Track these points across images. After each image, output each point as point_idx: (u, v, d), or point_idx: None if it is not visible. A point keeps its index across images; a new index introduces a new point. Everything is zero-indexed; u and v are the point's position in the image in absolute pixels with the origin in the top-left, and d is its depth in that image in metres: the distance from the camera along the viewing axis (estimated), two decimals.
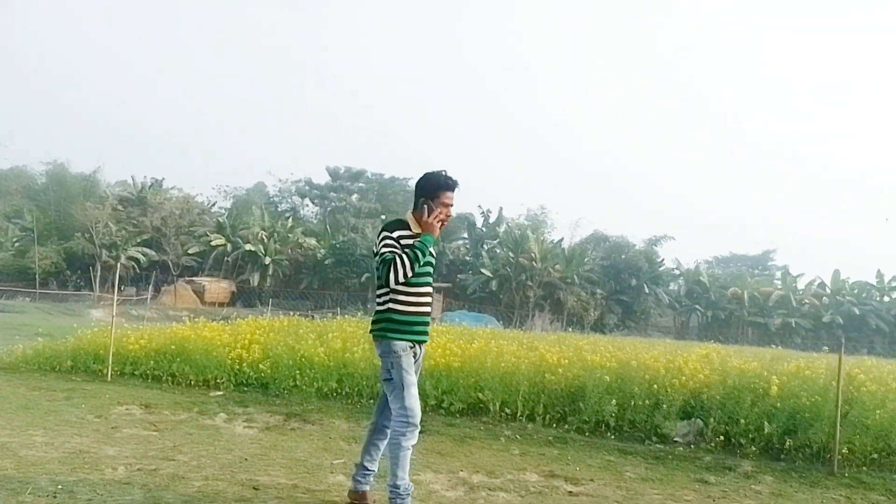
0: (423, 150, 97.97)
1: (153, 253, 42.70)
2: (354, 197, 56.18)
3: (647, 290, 45.37)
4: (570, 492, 4.85)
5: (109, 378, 8.71)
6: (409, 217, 3.95)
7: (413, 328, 3.86)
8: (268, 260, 43.71)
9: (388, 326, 3.83)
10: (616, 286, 44.83)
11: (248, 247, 43.36)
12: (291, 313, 15.34)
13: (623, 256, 46.58)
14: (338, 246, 45.06)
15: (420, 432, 3.91)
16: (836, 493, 5.38)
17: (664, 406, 7.24)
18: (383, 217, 53.21)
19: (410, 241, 3.81)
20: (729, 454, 6.53)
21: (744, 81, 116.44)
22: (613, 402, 7.24)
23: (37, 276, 38.99)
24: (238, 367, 8.69)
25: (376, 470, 4.12)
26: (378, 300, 3.93)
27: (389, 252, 3.75)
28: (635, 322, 45.29)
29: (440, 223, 3.91)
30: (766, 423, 6.70)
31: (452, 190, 3.97)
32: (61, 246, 40.84)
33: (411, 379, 3.82)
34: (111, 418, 6.33)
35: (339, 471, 4.89)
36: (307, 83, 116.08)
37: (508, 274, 42.62)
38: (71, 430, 5.70)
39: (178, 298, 37.34)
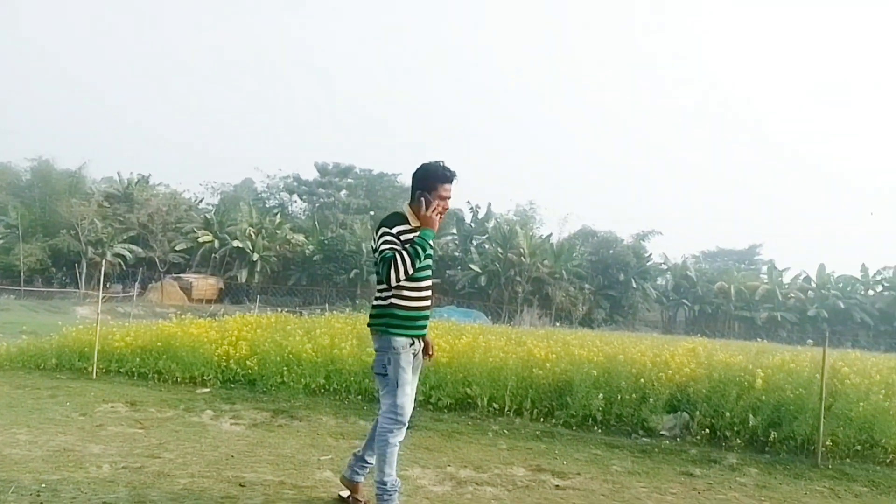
0: (413, 146, 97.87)
1: (140, 250, 42.42)
2: (343, 193, 56.03)
3: (634, 285, 45.63)
4: (557, 486, 4.87)
5: (95, 376, 8.65)
6: (406, 209, 3.87)
7: (415, 323, 3.81)
8: (256, 256, 43.55)
9: (391, 322, 3.76)
10: (604, 281, 45.06)
11: (235, 243, 43.15)
12: (279, 310, 15.28)
13: (611, 251, 46.82)
14: (326, 242, 44.96)
15: (408, 428, 3.89)
16: (820, 484, 5.44)
17: (651, 400, 7.28)
18: (372, 213, 53.13)
19: (410, 236, 3.73)
20: (714, 447, 6.57)
21: (732, 78, 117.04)
22: (601, 396, 7.27)
23: (22, 274, 38.64)
24: (225, 363, 8.65)
25: (374, 463, 4.09)
26: (379, 294, 3.84)
27: (389, 249, 3.65)
28: (623, 317, 45.54)
29: (438, 216, 3.83)
30: (751, 415, 6.76)
31: (450, 182, 3.87)
32: (46, 243, 40.50)
33: (406, 377, 3.77)
34: (96, 416, 6.28)
35: (326, 467, 4.88)
36: (295, 79, 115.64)
37: (497, 269, 42.69)
38: (55, 428, 5.65)
39: (165, 295, 37.14)
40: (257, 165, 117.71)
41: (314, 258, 44.45)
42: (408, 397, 3.78)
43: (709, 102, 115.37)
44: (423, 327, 3.89)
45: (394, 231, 3.71)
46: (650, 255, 49.38)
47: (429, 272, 3.87)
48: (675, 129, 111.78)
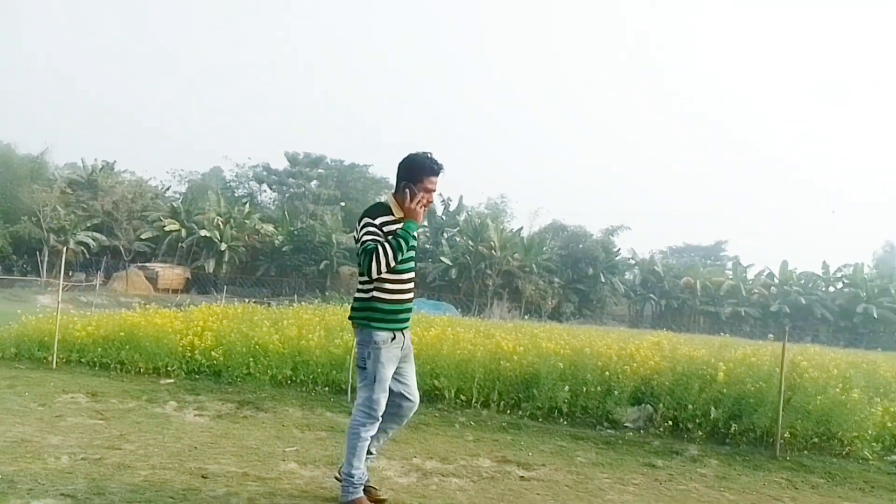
0: (384, 138, 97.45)
1: (104, 238, 41.54)
2: (313, 183, 55.52)
3: (603, 280, 46.07)
4: (522, 476, 4.91)
5: (55, 366, 8.47)
6: (390, 200, 3.79)
7: (397, 316, 3.75)
8: (224, 246, 42.96)
9: (372, 315, 3.71)
10: (573, 275, 45.42)
11: (203, 232, 42.49)
12: (247, 300, 15.12)
13: (581, 246, 47.20)
14: (296, 233, 44.54)
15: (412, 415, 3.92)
16: (778, 475, 5.57)
17: (616, 392, 7.37)
18: (343, 204, 52.78)
19: (394, 228, 3.66)
20: (677, 439, 6.69)
21: (698, 78, 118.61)
22: (567, 388, 7.35)
23: None
24: (190, 354, 8.54)
25: (375, 453, 4.06)
26: (361, 287, 3.78)
27: (372, 241, 3.59)
28: (591, 310, 45.99)
29: (423, 208, 3.76)
30: (712, 408, 6.89)
31: (437, 175, 3.80)
32: (7, 230, 39.39)
33: (385, 374, 3.72)
34: (55, 407, 6.15)
35: (291, 459, 4.85)
36: (266, 66, 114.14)
37: (468, 262, 42.75)
38: (13, 418, 5.52)
39: (130, 285, 36.46)
40: (226, 154, 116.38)
41: (283, 249, 44.01)
42: (384, 393, 3.74)
43: (676, 102, 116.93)
44: (406, 320, 3.84)
45: (377, 222, 3.65)
46: (619, 249, 49.90)
47: (412, 265, 3.82)
48: (644, 127, 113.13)
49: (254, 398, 7.13)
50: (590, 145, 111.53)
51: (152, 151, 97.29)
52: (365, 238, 3.62)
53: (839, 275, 51.70)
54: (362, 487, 3.76)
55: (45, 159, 45.40)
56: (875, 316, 46.10)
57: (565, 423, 7.11)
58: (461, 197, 49.51)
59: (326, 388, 7.88)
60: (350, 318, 3.85)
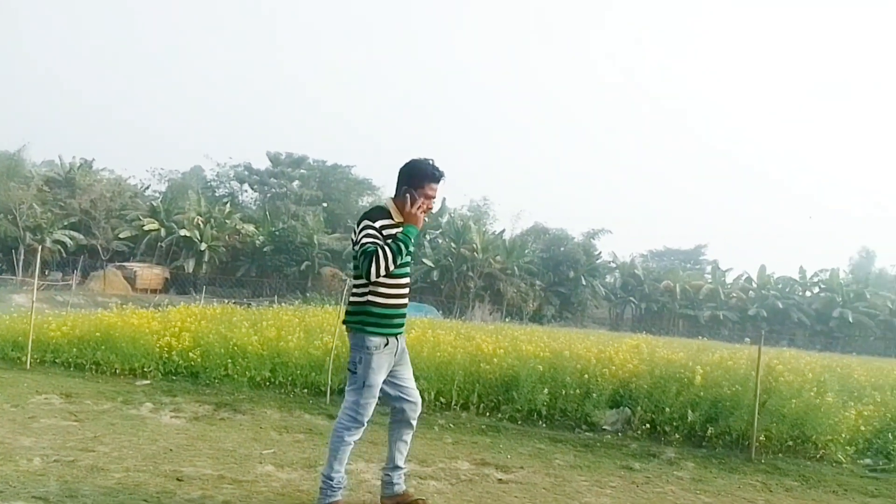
0: (367, 138, 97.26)
1: (81, 237, 41.00)
2: (295, 184, 55.19)
3: (584, 282, 46.34)
4: (501, 479, 4.92)
5: (28, 366, 8.34)
6: (389, 204, 3.77)
7: (392, 321, 3.73)
8: (203, 246, 42.58)
9: (366, 320, 3.67)
10: (554, 278, 45.62)
11: (182, 232, 42.09)
12: (226, 301, 15.01)
13: (562, 249, 47.45)
14: (277, 233, 44.29)
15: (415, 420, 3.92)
16: (753, 478, 5.62)
17: (594, 395, 7.41)
18: (325, 205, 52.53)
19: (393, 231, 3.65)
20: (654, 441, 6.74)
21: (677, 87, 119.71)
22: (546, 391, 7.38)
23: None
24: (167, 355, 8.46)
25: (404, 467, 3.99)
26: (355, 290, 3.75)
27: (371, 243, 3.55)
28: (572, 313, 46.24)
29: (423, 214, 3.75)
30: (689, 411, 6.95)
31: (438, 181, 3.78)
32: None
33: (375, 379, 3.68)
34: (28, 408, 6.06)
35: (268, 461, 4.82)
36: (248, 65, 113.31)
37: (450, 264, 42.78)
38: None
39: (108, 284, 36.01)
40: (207, 153, 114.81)
41: (264, 249, 43.73)
42: (373, 398, 3.71)
43: (655, 111, 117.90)
44: (400, 326, 3.80)
45: (376, 225, 3.62)
46: (600, 253, 50.22)
47: (407, 270, 3.81)
48: (624, 134, 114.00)
49: (231, 400, 7.07)
50: (571, 150, 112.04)
51: (132, 149, 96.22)
52: (364, 240, 3.58)
53: (816, 279, 52.47)
54: (340, 491, 3.74)
55: (22, 156, 44.62)
56: (850, 320, 46.80)
57: (544, 425, 7.14)
58: (444, 199, 49.40)
59: (305, 390, 7.84)
60: (344, 321, 3.83)
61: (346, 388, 3.79)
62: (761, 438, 6.51)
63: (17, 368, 8.25)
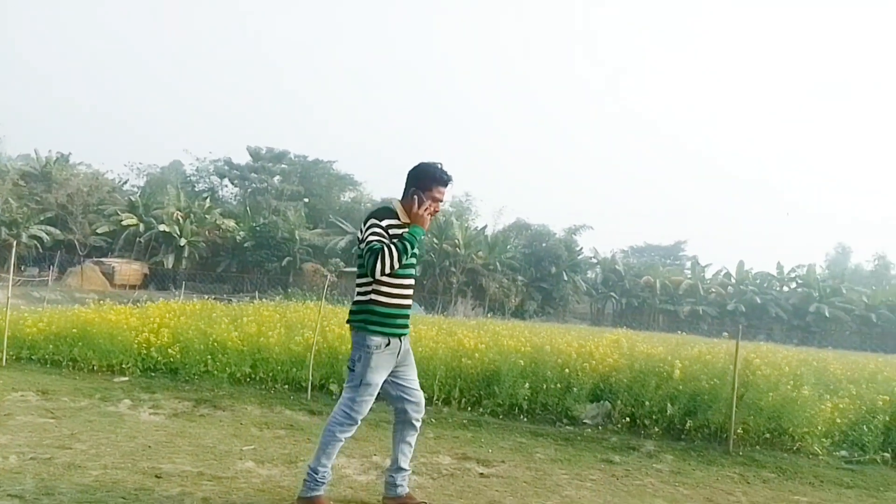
0: (349, 134, 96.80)
1: (58, 232, 40.46)
2: (276, 178, 54.84)
3: (565, 278, 46.58)
4: (482, 473, 4.93)
5: (4, 363, 8.21)
6: (396, 205, 3.79)
7: (394, 321, 3.72)
8: (183, 241, 42.18)
9: (369, 318, 3.68)
10: (536, 273, 45.81)
11: (162, 227, 41.67)
12: (206, 297, 14.89)
13: (544, 244, 47.64)
14: (258, 228, 44.00)
15: (420, 423, 3.91)
16: (731, 470, 5.69)
17: (575, 389, 7.46)
18: (306, 200, 52.24)
19: (399, 231, 3.67)
20: (634, 435, 6.79)
21: (658, 86, 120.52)
22: (527, 385, 7.40)
23: None
24: (146, 351, 8.37)
25: (408, 469, 3.96)
26: (359, 289, 3.76)
27: (377, 241, 3.59)
28: (554, 308, 46.47)
29: (429, 216, 3.79)
30: (668, 404, 7.01)
31: (446, 185, 3.83)
32: None
33: (373, 378, 3.68)
34: (4, 405, 5.96)
35: (248, 457, 4.79)
36: (229, 59, 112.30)
37: (432, 260, 42.77)
38: None
39: (86, 280, 35.56)
40: (186, 147, 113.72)
41: (245, 245, 43.43)
42: (370, 397, 3.71)
43: (636, 110, 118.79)
44: (403, 326, 3.79)
45: (383, 224, 3.65)
46: (581, 248, 50.53)
47: (412, 271, 3.82)
48: (605, 134, 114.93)
49: (211, 396, 7.02)
50: (553, 148, 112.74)
51: (109, 143, 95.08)
52: (370, 238, 3.62)
53: (793, 275, 53.24)
54: (323, 486, 3.73)
55: None
56: (827, 315, 47.54)
57: (525, 419, 7.17)
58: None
59: (286, 386, 7.80)
60: (348, 321, 3.84)
61: (345, 385, 3.80)
62: (739, 431, 6.59)
63: None
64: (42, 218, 40.53)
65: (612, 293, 52.75)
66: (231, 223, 45.66)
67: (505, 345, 8.75)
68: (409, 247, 3.65)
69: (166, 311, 10.28)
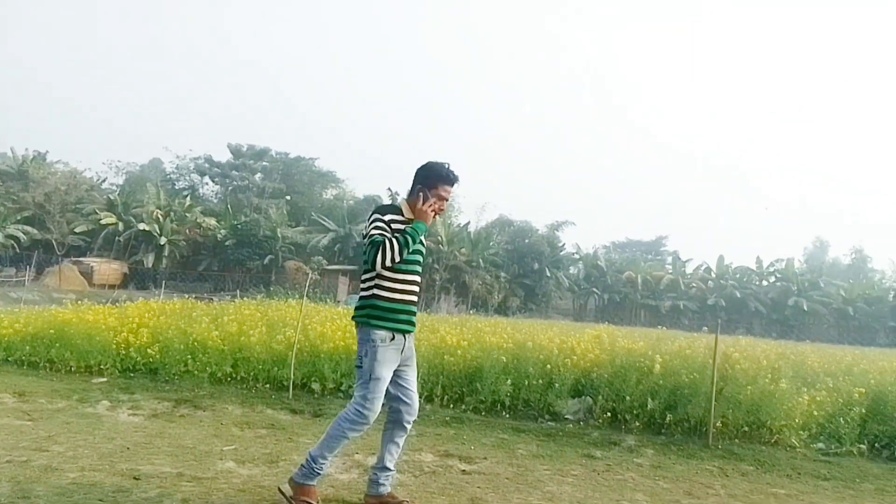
0: (330, 132, 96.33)
1: (35, 231, 39.90)
2: (258, 176, 54.47)
3: (548, 274, 46.78)
4: (464, 470, 4.94)
5: None
6: (402, 203, 3.85)
7: (397, 316, 3.73)
8: (163, 240, 41.79)
9: (371, 313, 3.70)
10: (519, 270, 45.95)
11: (141, 226, 41.24)
12: (187, 296, 14.76)
13: (526, 241, 47.77)
14: (239, 226, 43.67)
15: (413, 420, 3.92)
16: (711, 464, 5.75)
17: (557, 385, 7.49)
18: (288, 198, 51.92)
19: (402, 227, 3.72)
20: (615, 430, 6.84)
21: (639, 83, 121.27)
22: (509, 382, 7.42)
23: None
24: (124, 352, 8.29)
25: (393, 469, 3.95)
26: (363, 285, 3.80)
27: (379, 234, 3.64)
28: (537, 305, 46.65)
29: (434, 213, 3.83)
30: (649, 399, 7.07)
31: (452, 184, 3.89)
32: None
33: (382, 372, 3.68)
34: None
35: (229, 457, 4.76)
36: (210, 56, 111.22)
37: None
38: None
39: (64, 280, 35.09)
40: (166, 145, 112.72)
41: (226, 243, 43.09)
42: (380, 393, 3.69)
43: (617, 107, 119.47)
44: (407, 322, 3.80)
45: (385, 218, 3.70)
46: (563, 244, 50.77)
47: (416, 268, 3.84)
48: (586, 131, 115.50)
49: (192, 396, 6.96)
50: (536, 144, 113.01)
51: (88, 141, 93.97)
52: (373, 231, 3.67)
53: (772, 269, 53.85)
54: (318, 478, 3.72)
55: None
56: (805, 308, 48.18)
57: (507, 416, 7.19)
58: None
59: (268, 385, 7.76)
60: (353, 318, 3.86)
61: (356, 384, 3.78)
62: (718, 425, 6.66)
63: None
64: (19, 217, 39.95)
65: (595, 289, 53.04)
66: (212, 221, 45.29)
67: (487, 341, 8.77)
68: (410, 240, 3.69)
69: (146, 311, 10.18)
